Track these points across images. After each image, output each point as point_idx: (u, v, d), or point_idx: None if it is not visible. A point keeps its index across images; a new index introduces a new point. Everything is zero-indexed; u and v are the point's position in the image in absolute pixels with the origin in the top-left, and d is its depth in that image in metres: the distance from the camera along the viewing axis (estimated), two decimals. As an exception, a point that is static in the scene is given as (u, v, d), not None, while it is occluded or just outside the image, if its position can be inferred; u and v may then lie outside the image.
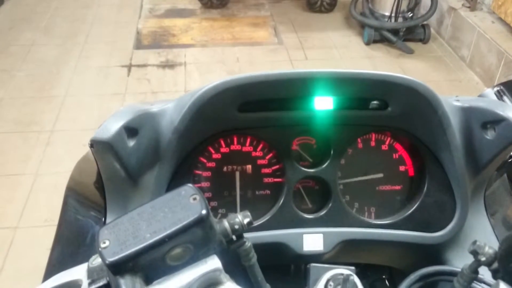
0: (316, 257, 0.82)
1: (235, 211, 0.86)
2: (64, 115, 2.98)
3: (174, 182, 0.79)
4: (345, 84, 0.77)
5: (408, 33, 3.78)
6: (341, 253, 0.84)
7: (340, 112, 0.80)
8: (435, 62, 3.68)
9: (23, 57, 3.55)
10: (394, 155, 0.87)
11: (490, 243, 0.65)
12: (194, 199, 0.59)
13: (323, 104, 0.79)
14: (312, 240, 0.82)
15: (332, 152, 0.83)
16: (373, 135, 0.86)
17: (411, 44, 3.78)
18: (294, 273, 0.94)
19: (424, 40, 3.86)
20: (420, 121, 0.80)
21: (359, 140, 0.86)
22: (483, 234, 0.84)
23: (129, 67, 3.48)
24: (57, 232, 0.85)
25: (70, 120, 2.93)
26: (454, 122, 0.78)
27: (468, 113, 0.79)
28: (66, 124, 2.90)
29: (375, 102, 0.81)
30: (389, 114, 0.80)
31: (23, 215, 2.29)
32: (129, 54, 3.64)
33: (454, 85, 3.41)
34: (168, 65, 3.53)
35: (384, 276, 1.03)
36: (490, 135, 0.77)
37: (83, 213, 0.86)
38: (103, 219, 0.79)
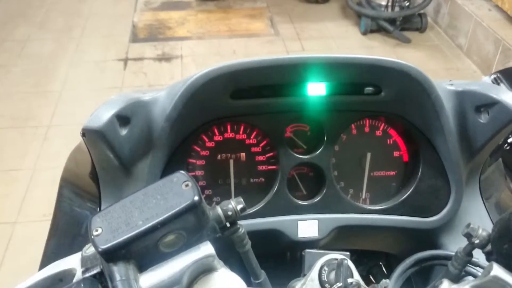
0: (311, 244, 0.82)
1: (230, 199, 0.86)
2: (61, 110, 2.97)
3: (167, 170, 0.79)
4: (338, 69, 0.77)
5: (405, 22, 3.76)
6: (337, 239, 0.84)
7: (333, 98, 0.80)
8: (432, 51, 3.67)
9: (18, 52, 3.53)
10: (388, 140, 0.87)
11: (485, 227, 0.65)
12: (186, 185, 0.59)
13: (316, 90, 0.79)
14: (307, 227, 0.82)
15: (325, 138, 0.83)
16: (367, 120, 0.85)
17: (408, 33, 3.77)
18: (290, 260, 0.95)
19: (421, 29, 3.84)
20: (414, 105, 0.80)
21: (352, 126, 0.85)
22: (478, 218, 0.85)
23: (126, 60, 3.47)
24: (52, 223, 0.85)
25: (67, 115, 2.92)
26: (448, 106, 0.78)
27: (461, 96, 0.78)
28: (63, 118, 2.90)
29: (369, 88, 0.81)
30: (383, 99, 0.80)
31: (21, 210, 2.30)
32: (125, 47, 3.63)
33: (451, 73, 3.40)
34: (165, 58, 3.52)
35: (380, 263, 1.03)
36: (483, 118, 0.76)
37: (78, 203, 0.86)
38: (98, 209, 0.79)
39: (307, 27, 3.94)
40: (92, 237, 0.53)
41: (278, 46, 3.68)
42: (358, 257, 1.00)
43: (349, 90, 0.80)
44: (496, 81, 2.00)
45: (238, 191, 0.86)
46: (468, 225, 0.65)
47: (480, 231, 0.64)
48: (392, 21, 3.72)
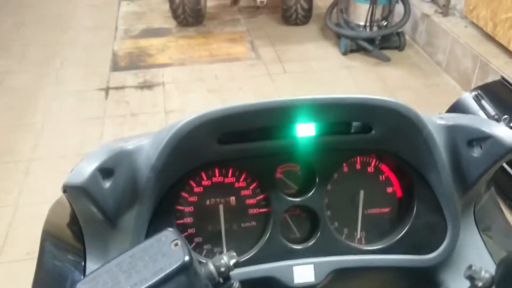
0: None
1: (221, 246, 0.83)
2: (43, 143, 2.91)
3: (155, 220, 0.76)
4: (327, 110, 0.75)
5: (383, 42, 3.81)
6: (333, 282, 0.82)
7: (323, 138, 0.78)
8: (412, 68, 3.72)
9: (-3, 86, 3.48)
10: (380, 176, 0.85)
11: (483, 261, 0.63)
12: (176, 244, 0.56)
13: (305, 130, 0.77)
14: (303, 272, 0.79)
15: (317, 179, 0.81)
16: (358, 158, 0.84)
17: (387, 52, 3.81)
18: None
19: (400, 48, 3.89)
20: (405, 142, 0.78)
21: (344, 164, 0.83)
22: (476, 252, 0.83)
23: (107, 90, 3.44)
24: (35, 279, 0.81)
25: (49, 148, 2.87)
26: (440, 141, 0.77)
27: (453, 131, 0.77)
28: (45, 152, 2.84)
29: (356, 123, 0.80)
30: (373, 137, 0.79)
31: (4, 250, 2.22)
32: (106, 76, 3.60)
33: (432, 90, 3.44)
34: (146, 85, 3.49)
35: None
36: (476, 152, 0.75)
37: (62, 258, 0.82)
38: (83, 263, 0.75)
39: (287, 50, 3.96)
40: (78, 308, 0.49)
41: (260, 69, 3.69)
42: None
43: (339, 129, 0.79)
44: (477, 98, 2.02)
45: (229, 237, 0.83)
46: (470, 266, 0.63)
47: (482, 273, 0.62)
48: (371, 40, 3.76)
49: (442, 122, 0.78)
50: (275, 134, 0.77)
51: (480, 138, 0.74)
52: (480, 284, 0.62)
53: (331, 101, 0.74)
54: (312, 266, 0.79)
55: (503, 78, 2.05)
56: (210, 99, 3.31)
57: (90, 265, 0.75)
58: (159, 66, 3.74)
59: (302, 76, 3.59)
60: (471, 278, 0.63)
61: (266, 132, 0.77)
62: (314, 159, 0.81)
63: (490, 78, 3.11)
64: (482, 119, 0.76)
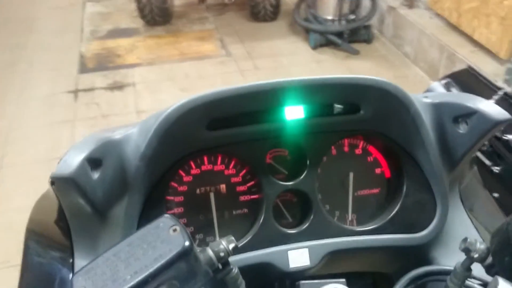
0: (302, 273, 0.79)
1: (213, 235, 0.82)
2: (11, 149, 2.83)
3: (145, 212, 0.74)
4: (315, 91, 0.75)
5: (352, 35, 3.86)
6: (328, 264, 0.81)
7: (312, 121, 0.78)
8: (380, 60, 3.78)
9: (-41, 93, 3.36)
10: (368, 158, 0.85)
11: (472, 237, 0.64)
12: (174, 230, 0.55)
13: (294, 113, 0.76)
14: (298, 256, 0.79)
15: (308, 162, 0.81)
16: (346, 140, 0.84)
17: (356, 45, 3.86)
18: None
19: (368, 41, 3.95)
20: (393, 121, 0.79)
21: (332, 147, 0.83)
22: (464, 229, 0.84)
23: (76, 92, 3.36)
24: (20, 280, 0.77)
25: (18, 154, 2.78)
26: (426, 119, 0.78)
27: (439, 108, 0.78)
28: (14, 158, 2.76)
29: (339, 106, 0.79)
30: (362, 117, 0.79)
31: (-25, 261, 2.14)
32: (74, 79, 3.52)
33: (401, 81, 3.49)
34: (116, 86, 3.43)
35: (368, 282, 1.01)
36: (462, 128, 0.76)
37: (48, 256, 0.79)
38: (71, 261, 0.73)
39: (257, 46, 3.96)
40: (77, 300, 0.48)
41: (231, 66, 3.68)
42: (347, 278, 0.97)
43: (328, 111, 0.79)
44: (447, 86, 2.07)
45: (221, 225, 0.81)
46: (465, 239, 0.63)
47: (478, 245, 0.63)
48: (339, 34, 3.80)
49: (427, 100, 0.79)
50: (264, 118, 0.76)
51: (466, 114, 0.75)
52: (476, 255, 0.63)
53: (319, 82, 0.73)
54: (306, 250, 0.79)
55: (469, 67, 2.11)
56: (182, 97, 3.27)
57: (79, 262, 0.72)
58: (128, 66, 3.69)
59: (273, 72, 3.60)
60: (467, 250, 0.63)
61: (255, 116, 0.76)
62: (304, 143, 0.80)
63: (456, 67, 3.19)
64: (467, 95, 0.77)
